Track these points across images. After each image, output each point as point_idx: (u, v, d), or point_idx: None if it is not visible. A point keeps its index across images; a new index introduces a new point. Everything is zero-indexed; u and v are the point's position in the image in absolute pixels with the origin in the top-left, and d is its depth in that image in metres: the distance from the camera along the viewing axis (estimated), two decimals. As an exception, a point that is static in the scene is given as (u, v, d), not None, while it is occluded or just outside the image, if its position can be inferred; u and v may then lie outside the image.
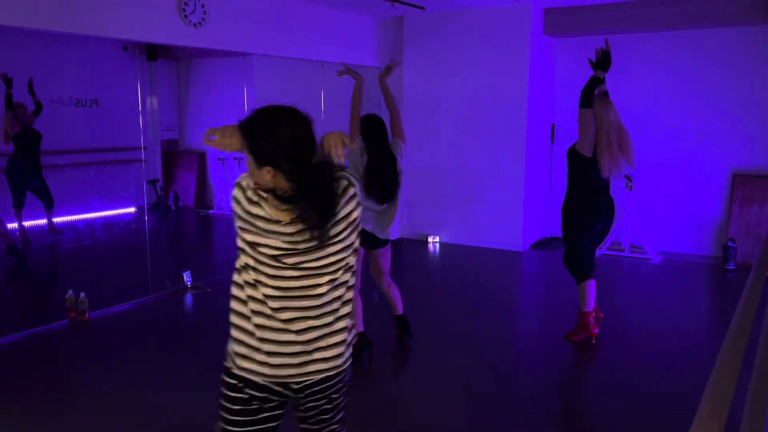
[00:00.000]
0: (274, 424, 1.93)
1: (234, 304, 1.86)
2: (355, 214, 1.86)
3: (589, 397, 3.91)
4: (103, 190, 8.39)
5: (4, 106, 6.37)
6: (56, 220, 7.34)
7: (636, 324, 4.99)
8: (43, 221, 7.29)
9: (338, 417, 1.98)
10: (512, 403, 3.71)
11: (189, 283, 5.82)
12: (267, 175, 1.72)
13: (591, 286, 4.42)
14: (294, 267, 1.80)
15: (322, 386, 1.88)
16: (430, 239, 7.80)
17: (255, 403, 1.87)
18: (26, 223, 6.99)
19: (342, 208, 1.81)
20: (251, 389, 1.86)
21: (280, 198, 1.73)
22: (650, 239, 7.29)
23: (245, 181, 1.81)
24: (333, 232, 1.80)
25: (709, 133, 6.99)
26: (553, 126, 7.85)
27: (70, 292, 5.02)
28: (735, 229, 6.79)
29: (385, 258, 4.25)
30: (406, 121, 7.55)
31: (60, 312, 5.04)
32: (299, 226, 1.75)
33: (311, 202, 1.72)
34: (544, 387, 3.90)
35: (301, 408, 1.93)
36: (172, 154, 10.17)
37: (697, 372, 3.98)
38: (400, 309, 4.46)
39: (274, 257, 1.79)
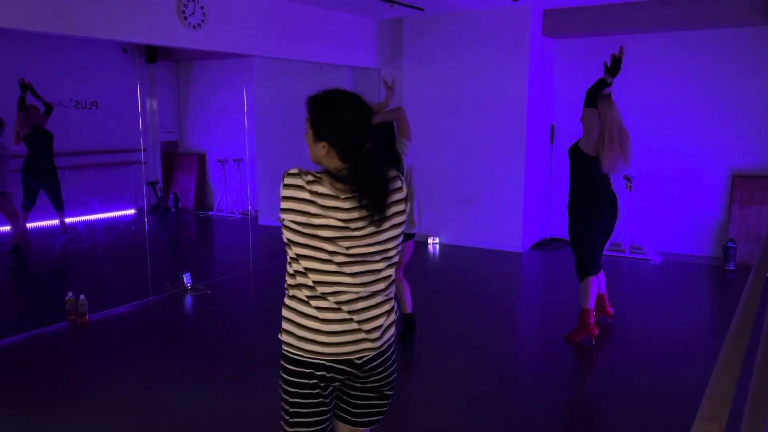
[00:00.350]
0: (331, 405, 2.05)
1: (293, 292, 1.95)
2: (399, 207, 1.95)
3: (589, 397, 3.91)
4: (103, 192, 8.39)
5: (16, 107, 6.58)
6: (57, 221, 7.36)
7: (636, 324, 4.98)
8: (42, 223, 7.30)
9: (394, 384, 2.10)
10: (512, 403, 3.71)
11: (189, 285, 5.82)
12: (321, 150, 1.89)
13: (592, 284, 4.46)
14: (344, 252, 1.87)
15: (381, 359, 2.00)
16: (430, 240, 7.80)
17: (322, 383, 1.96)
18: (26, 225, 7.05)
19: (391, 194, 1.92)
20: (319, 371, 1.94)
21: (334, 176, 1.86)
22: (650, 240, 7.29)
23: (296, 169, 1.91)
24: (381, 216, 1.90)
25: (708, 134, 7.00)
26: (552, 127, 7.85)
27: (70, 294, 5.02)
28: (735, 229, 6.79)
29: (405, 251, 4.33)
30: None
31: (60, 314, 5.03)
32: (356, 203, 1.85)
33: (367, 183, 1.84)
34: (544, 387, 3.90)
35: (360, 382, 2.03)
36: (172, 156, 10.17)
37: (697, 373, 3.99)
38: (409, 307, 4.49)
39: (328, 239, 1.86)
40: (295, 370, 1.95)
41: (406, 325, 4.52)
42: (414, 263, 6.99)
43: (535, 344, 4.75)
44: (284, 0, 6.40)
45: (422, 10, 6.98)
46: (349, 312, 1.90)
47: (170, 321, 5.22)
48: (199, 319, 5.35)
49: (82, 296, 5.00)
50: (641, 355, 4.34)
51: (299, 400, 1.96)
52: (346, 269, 1.88)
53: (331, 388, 2.00)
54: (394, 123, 4.25)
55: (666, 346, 4.50)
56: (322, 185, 1.85)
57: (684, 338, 4.70)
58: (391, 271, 1.99)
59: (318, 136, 1.89)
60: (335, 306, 1.90)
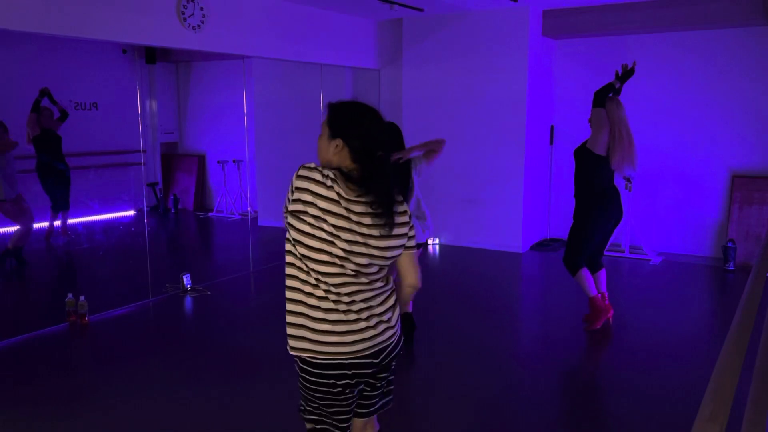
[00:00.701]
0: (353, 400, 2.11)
1: (296, 296, 1.96)
2: (403, 229, 2.00)
3: (590, 398, 3.91)
4: (103, 193, 8.40)
5: (30, 108, 6.76)
6: (57, 222, 7.37)
7: (636, 324, 4.98)
8: (42, 224, 7.30)
9: (393, 366, 2.18)
10: (512, 403, 3.71)
11: (189, 286, 5.82)
12: (335, 148, 1.94)
13: (585, 273, 4.62)
14: (349, 257, 1.89)
15: (394, 353, 2.11)
16: (430, 241, 7.79)
17: (342, 381, 2.00)
18: (53, 224, 7.25)
19: (396, 216, 1.97)
20: (339, 370, 1.98)
21: (347, 176, 1.90)
22: (650, 240, 7.29)
23: (313, 164, 1.95)
24: (387, 232, 1.94)
25: (708, 135, 7.00)
26: (552, 128, 7.85)
27: (70, 295, 5.02)
28: (735, 230, 6.79)
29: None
30: (405, 123, 7.57)
31: (59, 315, 5.03)
32: (367, 208, 1.90)
33: (377, 188, 1.90)
34: (545, 388, 3.90)
35: (374, 376, 2.08)
36: (172, 157, 10.18)
37: (697, 373, 3.98)
38: (409, 307, 4.50)
39: (334, 242, 1.87)
40: (316, 372, 1.97)
41: (406, 325, 4.52)
42: (414, 264, 6.98)
43: (535, 344, 4.75)
44: (284, 1, 6.41)
45: (422, 10, 6.99)
46: (357, 312, 1.94)
47: (170, 322, 5.22)
48: (199, 320, 5.35)
49: (82, 297, 5.00)
50: (641, 355, 4.34)
51: (322, 396, 2.00)
52: (349, 271, 1.91)
53: (352, 385, 2.02)
54: (402, 129, 4.39)
55: (666, 347, 4.50)
56: (337, 184, 1.89)
57: (684, 338, 4.69)
58: (384, 272, 2.04)
59: (334, 134, 1.94)
60: (344, 308, 1.93)
